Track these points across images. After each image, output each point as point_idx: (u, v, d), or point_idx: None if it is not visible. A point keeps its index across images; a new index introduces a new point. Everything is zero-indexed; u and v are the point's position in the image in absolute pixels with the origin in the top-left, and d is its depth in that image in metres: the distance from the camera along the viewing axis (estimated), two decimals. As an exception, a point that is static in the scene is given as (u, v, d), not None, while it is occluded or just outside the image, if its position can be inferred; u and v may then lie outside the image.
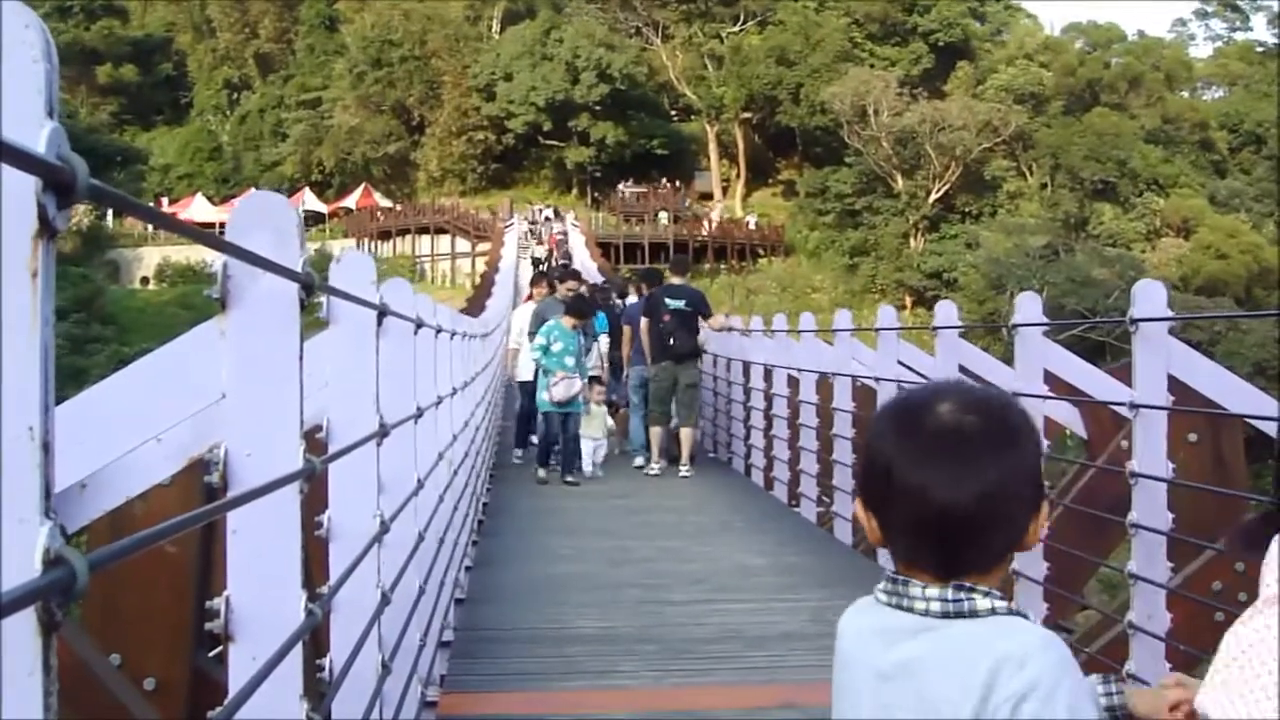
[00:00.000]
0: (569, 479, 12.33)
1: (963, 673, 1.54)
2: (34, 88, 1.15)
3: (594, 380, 13.31)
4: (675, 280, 13.53)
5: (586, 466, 12.92)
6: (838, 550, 9.34)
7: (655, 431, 13.02)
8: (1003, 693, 1.51)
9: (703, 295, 13.82)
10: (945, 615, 1.58)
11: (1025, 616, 1.59)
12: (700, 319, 13.24)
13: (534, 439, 13.35)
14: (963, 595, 1.58)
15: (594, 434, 13.08)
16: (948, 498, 1.58)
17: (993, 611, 1.57)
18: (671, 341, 12.80)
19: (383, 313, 3.22)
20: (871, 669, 1.63)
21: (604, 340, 14.22)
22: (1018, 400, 1.81)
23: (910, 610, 1.60)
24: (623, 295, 16.49)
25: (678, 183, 69.22)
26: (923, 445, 1.62)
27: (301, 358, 2.21)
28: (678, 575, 8.13)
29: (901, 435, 1.65)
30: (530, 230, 56.16)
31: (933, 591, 1.59)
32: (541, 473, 12.49)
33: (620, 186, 67.27)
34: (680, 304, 12.88)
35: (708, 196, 70.89)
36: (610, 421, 13.53)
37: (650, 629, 6.64)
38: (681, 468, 12.88)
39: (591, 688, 5.59)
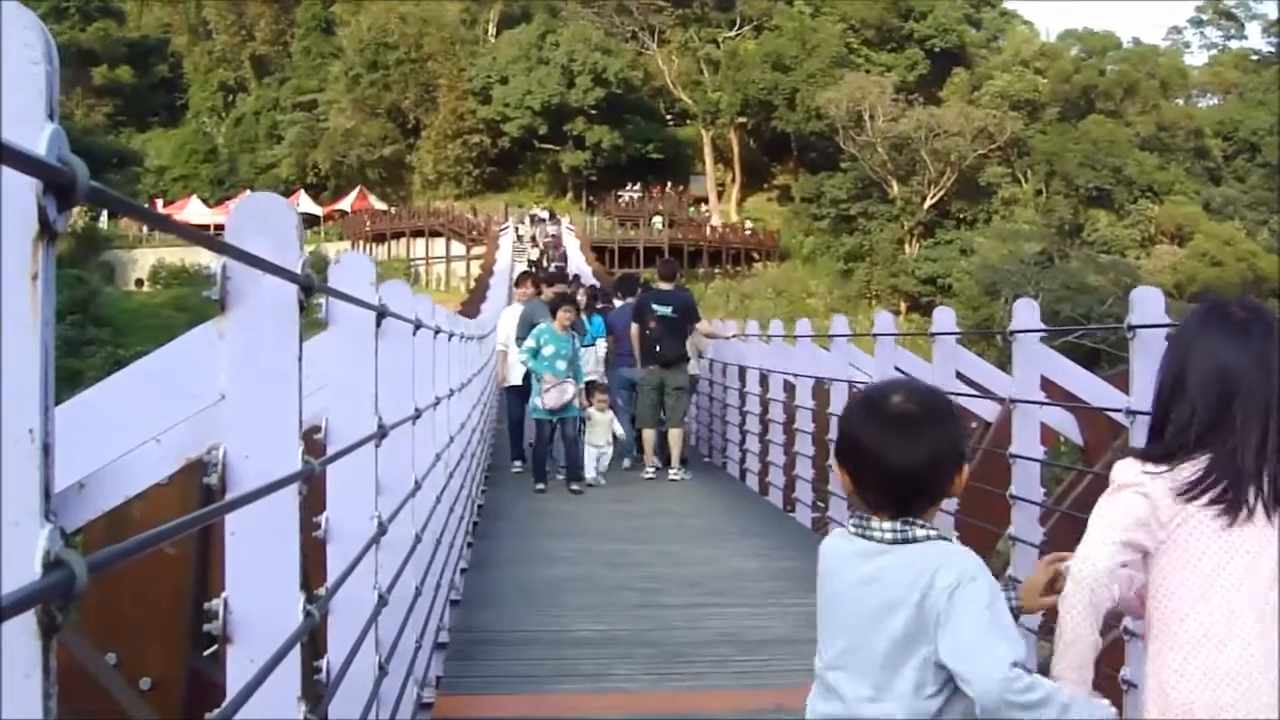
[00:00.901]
0: (574, 487, 11.93)
1: (911, 576, 2.25)
2: (34, 89, 1.15)
3: (593, 385, 12.97)
4: (663, 286, 13.47)
5: (590, 474, 12.47)
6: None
7: (648, 435, 13.02)
8: (939, 586, 2.22)
9: (691, 300, 13.71)
10: (895, 541, 2.30)
11: (948, 539, 2.35)
12: (690, 324, 13.25)
13: (530, 444, 12.94)
14: (906, 527, 2.30)
15: (597, 441, 12.66)
16: (900, 462, 2.31)
17: (928, 538, 2.30)
18: (658, 348, 12.80)
19: (382, 314, 3.22)
20: (849, 579, 2.35)
21: (602, 345, 13.96)
22: (944, 392, 2.67)
23: (871, 539, 2.33)
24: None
25: (682, 187, 69.34)
26: (882, 425, 2.35)
27: (300, 359, 2.21)
28: (673, 579, 8.13)
29: (867, 418, 2.39)
30: (523, 236, 56.05)
31: (886, 525, 2.31)
32: (540, 485, 11.96)
33: (624, 190, 67.30)
34: (667, 310, 12.85)
35: (702, 201, 70.91)
36: (618, 428, 12.97)
37: (646, 632, 6.64)
38: (672, 470, 12.87)
39: (587, 691, 5.60)
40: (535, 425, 12.34)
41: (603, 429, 12.70)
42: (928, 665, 2.24)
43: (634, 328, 13.03)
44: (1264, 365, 2.47)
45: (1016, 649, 2.21)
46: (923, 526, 2.30)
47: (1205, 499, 2.40)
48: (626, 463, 13.45)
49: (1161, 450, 2.49)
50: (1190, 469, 2.42)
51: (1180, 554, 2.43)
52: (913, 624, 2.24)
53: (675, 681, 5.76)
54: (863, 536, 2.33)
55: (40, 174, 1.06)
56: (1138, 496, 2.46)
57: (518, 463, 13.18)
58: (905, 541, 2.29)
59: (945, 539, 2.31)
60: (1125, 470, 2.52)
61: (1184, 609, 2.42)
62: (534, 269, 38.25)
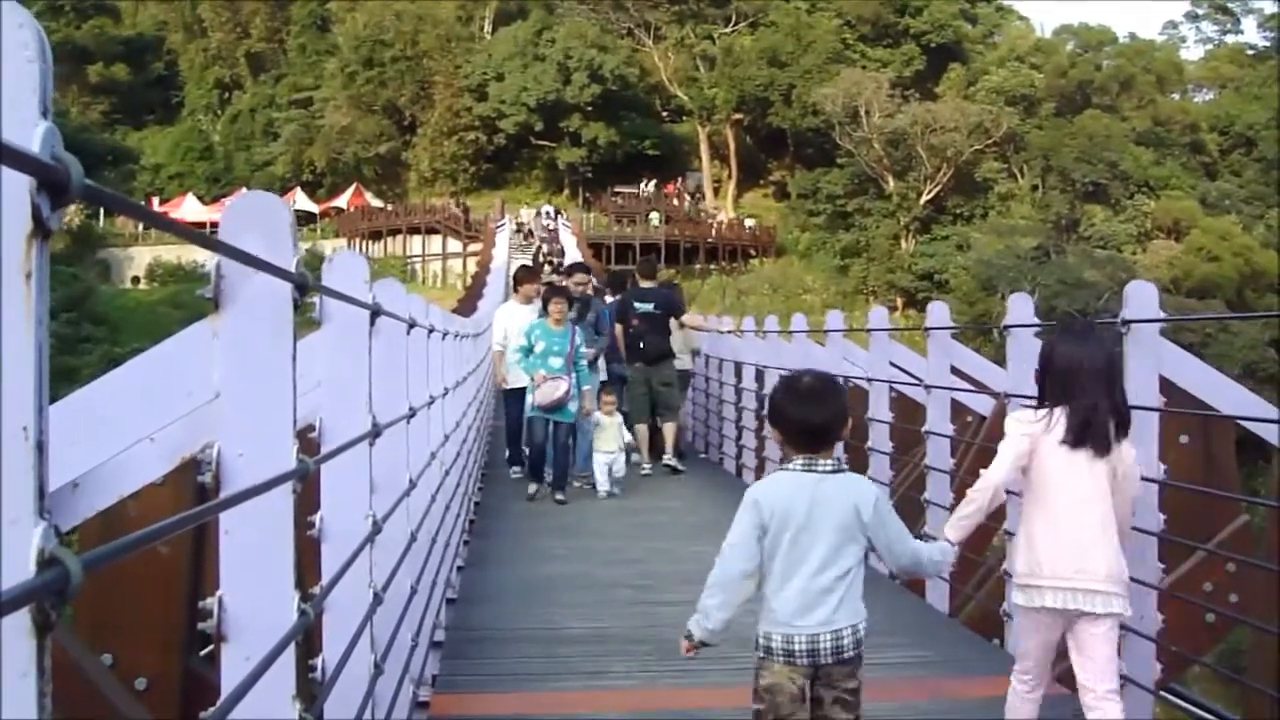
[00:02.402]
0: (559, 496, 11.20)
1: (848, 494, 3.56)
2: (29, 87, 1.15)
3: (605, 385, 12.35)
4: (644, 284, 13.49)
5: (602, 485, 11.68)
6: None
7: (641, 431, 13.04)
8: (867, 500, 3.56)
9: (672, 296, 13.72)
10: (833, 471, 3.59)
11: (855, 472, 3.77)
12: (674, 319, 13.30)
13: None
14: (837, 462, 3.63)
15: (607, 448, 11.75)
16: (816, 420, 3.60)
17: (847, 469, 3.67)
18: (641, 345, 12.87)
19: (375, 313, 3.21)
20: (806, 500, 3.54)
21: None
22: (834, 376, 4.22)
23: (815, 471, 3.58)
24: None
25: (688, 182, 69.36)
26: (801, 398, 3.65)
27: (294, 358, 2.21)
28: (669, 576, 8.13)
29: (790, 394, 3.69)
30: (522, 227, 56.01)
31: (827, 462, 3.59)
32: (532, 488, 11.38)
33: (640, 185, 67.27)
34: (649, 307, 12.92)
35: (698, 196, 70.92)
36: (627, 435, 12.19)
37: (642, 629, 6.65)
38: (666, 457, 12.98)
39: (583, 688, 5.60)
40: (528, 426, 11.61)
41: (612, 434, 11.82)
42: (859, 547, 3.58)
43: (618, 327, 13.06)
44: (1098, 356, 4.17)
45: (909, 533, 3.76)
46: (836, 459, 3.66)
47: (1059, 437, 4.10)
48: (635, 457, 13.22)
49: (1036, 407, 4.23)
50: (1052, 419, 4.12)
51: (1043, 469, 4.14)
52: (852, 523, 3.55)
53: (671, 679, 5.76)
54: (809, 470, 3.59)
55: (34, 171, 1.06)
56: (1023, 438, 4.18)
57: (516, 469, 12.49)
58: (838, 472, 3.62)
59: (851, 470, 3.74)
60: (1014, 421, 4.32)
61: (1040, 502, 4.15)
62: (537, 261, 38.11)
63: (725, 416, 14.17)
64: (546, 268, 36.45)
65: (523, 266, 17.26)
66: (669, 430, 13.13)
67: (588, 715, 5.22)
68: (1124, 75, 70.50)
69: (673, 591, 7.65)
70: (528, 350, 11.16)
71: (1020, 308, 6.61)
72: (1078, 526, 4.07)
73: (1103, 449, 4.07)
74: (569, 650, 6.24)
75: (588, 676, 5.79)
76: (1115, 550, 4.12)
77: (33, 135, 1.08)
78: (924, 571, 3.99)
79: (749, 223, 66.60)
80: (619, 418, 11.99)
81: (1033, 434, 4.12)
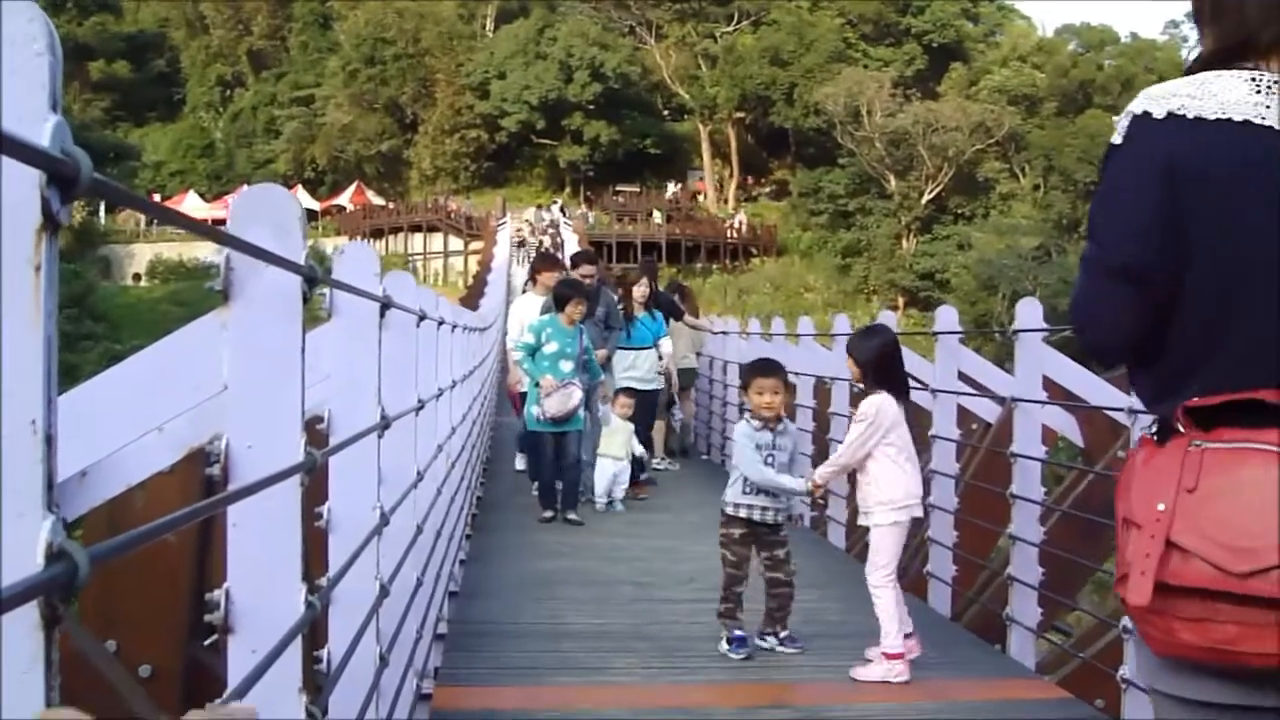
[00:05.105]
0: (571, 516, 9.94)
1: (791, 437, 6.37)
2: (38, 81, 1.15)
3: (620, 392, 11.18)
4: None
5: (600, 497, 10.59)
6: (829, 553, 9.37)
7: (658, 427, 13.13)
8: (796, 443, 6.51)
9: (670, 299, 13.65)
10: (786, 429, 6.35)
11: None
12: (674, 320, 13.29)
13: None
14: (784, 418, 6.40)
15: (615, 453, 10.63)
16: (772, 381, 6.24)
17: (787, 422, 6.44)
18: None
19: (385, 305, 3.22)
20: (767, 442, 6.20)
21: (666, 344, 12.54)
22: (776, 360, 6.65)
23: (771, 428, 6.25)
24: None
25: (705, 179, 69.57)
26: (763, 370, 6.33)
27: (303, 350, 2.21)
28: (671, 574, 8.16)
29: (755, 367, 6.44)
30: (525, 224, 55.94)
31: (780, 426, 6.30)
32: (548, 513, 9.97)
33: (670, 187, 67.32)
34: None
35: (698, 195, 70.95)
36: (637, 447, 11.09)
37: (643, 626, 6.67)
38: (655, 460, 12.91)
39: (584, 684, 5.62)
40: (536, 441, 10.18)
41: (621, 439, 10.68)
42: (798, 464, 6.40)
43: None
44: (899, 345, 6.09)
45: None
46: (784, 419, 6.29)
47: (894, 404, 5.79)
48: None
49: (865, 393, 5.96)
50: (887, 392, 5.82)
51: (896, 430, 5.76)
52: (794, 450, 6.33)
53: (672, 675, 5.78)
54: (767, 424, 6.20)
55: (44, 165, 1.06)
56: (876, 409, 5.76)
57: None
58: (786, 429, 6.29)
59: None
60: (868, 400, 5.84)
61: (882, 455, 5.77)
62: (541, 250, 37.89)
63: (728, 418, 14.17)
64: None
65: (541, 255, 16.54)
66: (658, 429, 13.14)
67: (589, 710, 5.23)
68: (1126, 75, 70.41)
69: (674, 589, 7.68)
70: (533, 349, 9.94)
71: (1029, 313, 6.62)
72: (913, 463, 5.83)
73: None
74: (570, 645, 6.26)
75: (589, 672, 5.81)
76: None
77: (42, 129, 1.08)
78: (780, 487, 6.16)
79: (741, 218, 66.65)
80: (630, 426, 10.95)
81: (881, 405, 5.78)
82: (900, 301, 58.53)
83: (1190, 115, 1.95)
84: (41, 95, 1.15)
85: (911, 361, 9.36)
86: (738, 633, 6.10)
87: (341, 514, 3.07)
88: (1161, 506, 1.87)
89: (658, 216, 63.94)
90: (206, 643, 2.63)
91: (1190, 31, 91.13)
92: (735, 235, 64.35)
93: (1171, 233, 1.96)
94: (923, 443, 8.13)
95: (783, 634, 6.24)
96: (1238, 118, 1.93)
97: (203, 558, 4.14)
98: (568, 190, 69.67)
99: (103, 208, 60.92)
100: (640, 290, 12.06)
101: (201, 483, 3.17)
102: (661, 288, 13.94)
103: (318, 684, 2.60)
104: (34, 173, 1.07)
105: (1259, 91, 1.94)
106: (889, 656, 5.65)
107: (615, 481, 10.72)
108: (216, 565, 2.28)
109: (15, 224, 1.10)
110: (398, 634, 3.71)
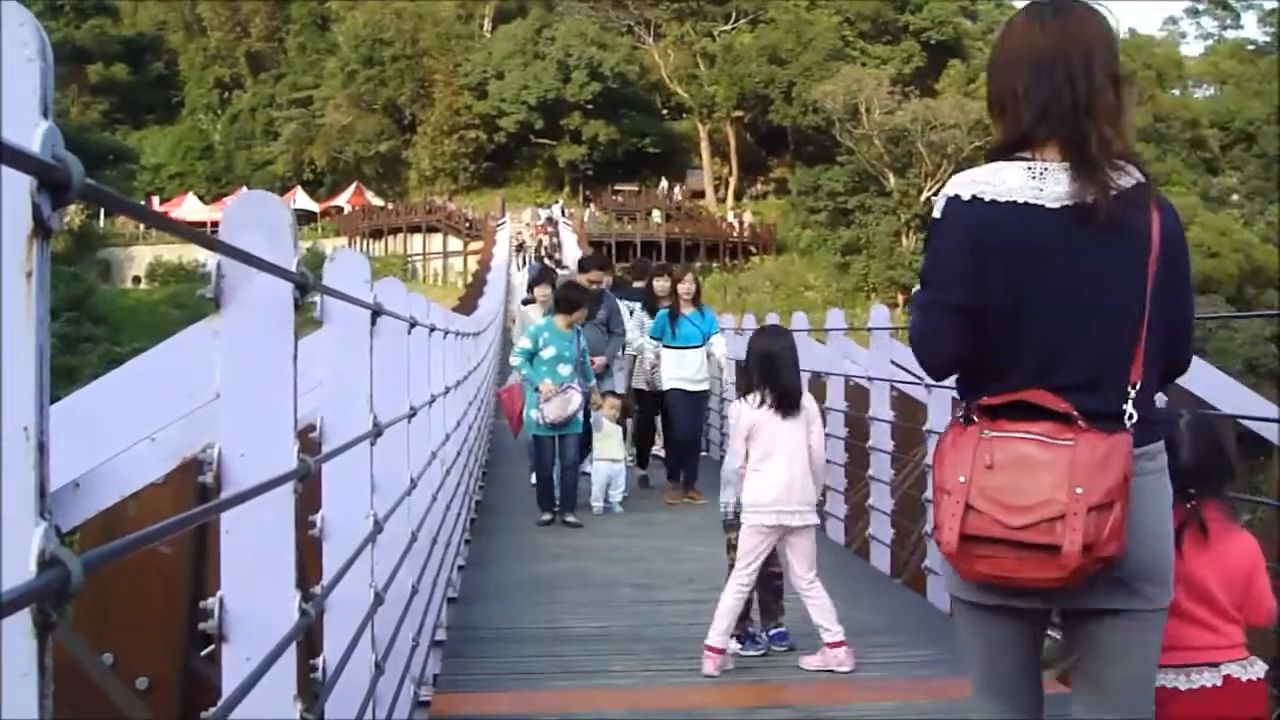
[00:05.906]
0: (570, 519, 9.99)
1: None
2: (29, 87, 1.15)
3: (610, 392, 11.07)
4: (636, 284, 13.23)
5: (597, 500, 10.59)
6: (830, 550, 9.33)
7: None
8: None
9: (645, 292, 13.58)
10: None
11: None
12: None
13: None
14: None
15: (612, 455, 10.64)
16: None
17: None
18: None
19: (376, 312, 3.21)
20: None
21: (719, 342, 12.01)
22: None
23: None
24: None
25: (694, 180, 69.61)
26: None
27: (295, 357, 2.21)
28: (670, 575, 8.15)
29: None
30: (525, 226, 55.91)
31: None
32: (546, 516, 10.05)
33: (675, 187, 67.36)
34: (636, 307, 12.71)
35: (699, 195, 70.88)
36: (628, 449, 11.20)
37: (642, 628, 6.66)
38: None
39: (583, 687, 5.61)
40: (534, 444, 10.37)
41: (615, 442, 10.69)
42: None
43: None
44: (790, 350, 5.97)
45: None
46: None
47: (767, 411, 5.80)
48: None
49: (748, 394, 5.91)
50: (760, 399, 5.83)
51: (761, 435, 5.81)
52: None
53: (672, 678, 5.77)
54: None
55: (34, 171, 1.05)
56: (735, 415, 5.94)
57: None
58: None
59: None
60: (736, 407, 6.02)
61: (759, 457, 5.81)
62: (538, 256, 37.95)
63: (726, 415, 14.14)
64: (547, 260, 36.47)
65: (547, 268, 16.67)
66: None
67: (588, 714, 5.22)
68: (1124, 71, 70.31)
69: (673, 590, 7.67)
70: (531, 354, 10.06)
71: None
72: (788, 469, 5.77)
73: (795, 411, 5.84)
74: (569, 649, 6.25)
75: (588, 675, 5.79)
76: (810, 481, 5.86)
77: (33, 135, 1.08)
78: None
79: (747, 218, 66.62)
80: (619, 428, 10.95)
81: (749, 413, 5.84)
82: (900, 299, 58.47)
83: (986, 199, 2.67)
84: (32, 101, 1.14)
85: (907, 357, 9.40)
86: (749, 629, 6.19)
87: (335, 521, 3.06)
88: (962, 479, 2.58)
89: (657, 216, 63.89)
90: (203, 652, 2.63)
91: (1189, 27, 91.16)
92: (735, 234, 64.30)
93: (980, 283, 2.63)
94: (917, 437, 8.26)
95: (773, 630, 6.24)
96: (1020, 199, 2.64)
97: (199, 568, 4.13)
98: (567, 190, 69.64)
99: (102, 211, 60.85)
100: (685, 286, 11.77)
101: (195, 492, 3.17)
102: None
103: (314, 691, 2.60)
104: (25, 178, 1.07)
105: (1034, 177, 2.68)
106: (712, 650, 5.75)
107: (613, 483, 10.71)
108: (212, 575, 2.27)
109: (6, 230, 1.10)
110: (393, 641, 3.69)
